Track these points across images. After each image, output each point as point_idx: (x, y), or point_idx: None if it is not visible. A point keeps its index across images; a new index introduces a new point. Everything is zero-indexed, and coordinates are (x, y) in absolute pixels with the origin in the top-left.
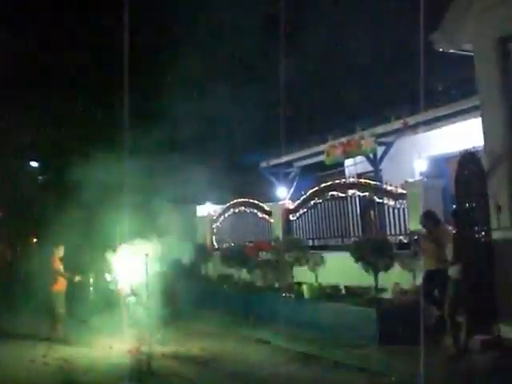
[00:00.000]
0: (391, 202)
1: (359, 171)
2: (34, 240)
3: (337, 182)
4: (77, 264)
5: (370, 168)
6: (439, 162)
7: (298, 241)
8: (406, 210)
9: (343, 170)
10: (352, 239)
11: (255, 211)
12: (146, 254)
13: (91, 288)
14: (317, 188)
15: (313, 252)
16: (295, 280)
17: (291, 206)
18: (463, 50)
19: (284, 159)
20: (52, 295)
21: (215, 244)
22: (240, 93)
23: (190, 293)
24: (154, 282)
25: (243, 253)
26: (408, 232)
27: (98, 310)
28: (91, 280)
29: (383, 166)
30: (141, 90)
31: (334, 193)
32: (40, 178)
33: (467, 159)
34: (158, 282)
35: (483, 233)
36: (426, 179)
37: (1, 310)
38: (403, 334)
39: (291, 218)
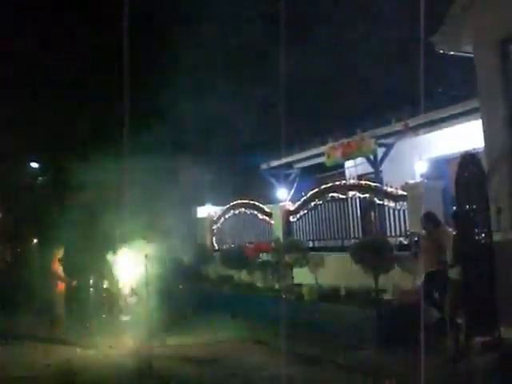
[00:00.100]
0: (391, 204)
1: (359, 173)
2: (34, 241)
3: (337, 183)
4: (76, 265)
5: (370, 169)
6: (439, 164)
7: (298, 242)
8: (406, 211)
9: (343, 172)
10: (352, 241)
11: (255, 212)
12: (146, 255)
13: (91, 289)
14: (317, 189)
15: (313, 253)
16: (295, 281)
17: (291, 207)
18: (463, 52)
19: (284, 161)
20: (52, 296)
21: (215, 245)
22: (240, 94)
23: (189, 294)
24: (154, 283)
25: (243, 254)
26: (408, 233)
27: (98, 310)
28: (91, 281)
29: (383, 167)
30: (141, 92)
31: (335, 194)
32: (40, 178)
33: (467, 161)
34: (158, 282)
35: (483, 234)
36: (426, 181)
37: (1, 311)
38: (403, 335)
39: (291, 219)
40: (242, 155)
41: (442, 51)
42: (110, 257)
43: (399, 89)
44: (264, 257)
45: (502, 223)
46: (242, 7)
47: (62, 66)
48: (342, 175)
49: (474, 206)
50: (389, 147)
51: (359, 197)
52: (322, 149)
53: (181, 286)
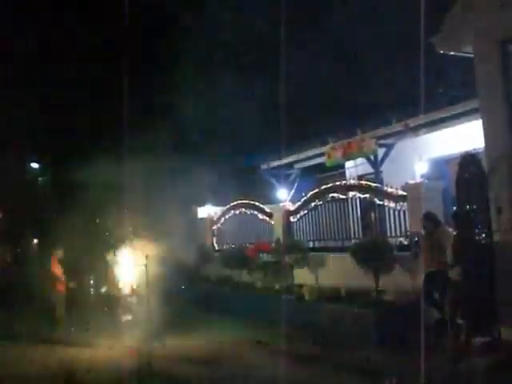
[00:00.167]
0: (392, 204)
1: (360, 173)
2: (34, 241)
3: (337, 183)
4: (76, 265)
5: (370, 170)
6: (440, 164)
7: (298, 242)
8: (406, 211)
9: (344, 172)
10: (352, 241)
11: (256, 213)
12: (147, 256)
13: (91, 289)
14: (317, 190)
15: (313, 254)
16: (295, 282)
17: (292, 207)
18: (463, 53)
19: (284, 161)
20: (52, 296)
21: (216, 245)
22: (241, 95)
23: (190, 294)
24: (154, 283)
25: (244, 254)
26: (408, 234)
27: (99, 310)
28: (91, 281)
29: (384, 167)
30: (142, 92)
31: (335, 195)
32: (40, 178)
33: (468, 161)
34: (158, 282)
35: (484, 234)
36: (426, 181)
37: (1, 311)
38: (403, 335)
39: (292, 219)
40: (242, 155)
41: (442, 52)
42: (110, 257)
43: (399, 89)
44: (264, 257)
45: (502, 223)
46: (242, 7)
47: (63, 66)
48: (343, 175)
49: (474, 207)
50: (389, 147)
51: (359, 197)
52: (323, 149)
53: (183, 287)
